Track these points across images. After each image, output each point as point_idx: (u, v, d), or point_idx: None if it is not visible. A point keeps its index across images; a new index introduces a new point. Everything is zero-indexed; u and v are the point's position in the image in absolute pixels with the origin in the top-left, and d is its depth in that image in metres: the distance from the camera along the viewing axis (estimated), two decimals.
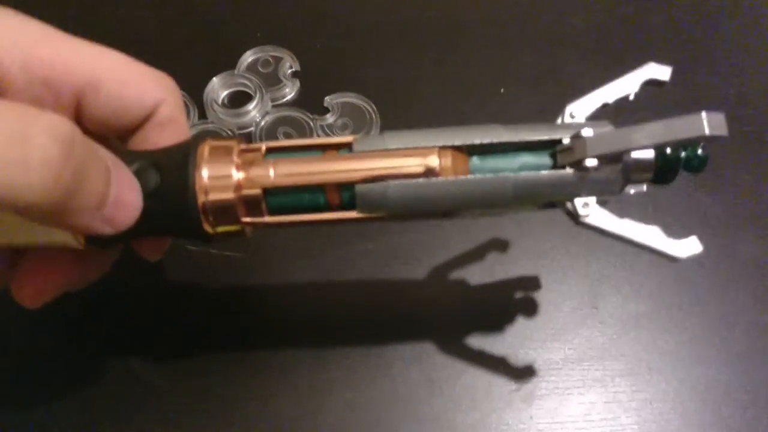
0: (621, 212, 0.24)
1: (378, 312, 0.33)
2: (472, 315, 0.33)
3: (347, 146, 0.24)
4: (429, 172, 0.23)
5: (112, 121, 0.25)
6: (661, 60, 0.43)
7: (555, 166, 0.24)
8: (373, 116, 0.39)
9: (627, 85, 0.25)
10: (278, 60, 0.41)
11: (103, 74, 0.24)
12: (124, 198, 0.22)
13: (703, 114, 0.20)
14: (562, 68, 0.42)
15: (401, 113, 0.39)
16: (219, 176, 0.23)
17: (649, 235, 0.24)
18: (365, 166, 0.23)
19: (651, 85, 0.26)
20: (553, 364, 0.32)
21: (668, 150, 0.24)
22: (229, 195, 0.23)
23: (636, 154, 0.24)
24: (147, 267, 0.34)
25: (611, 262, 0.35)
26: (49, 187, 0.18)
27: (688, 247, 0.24)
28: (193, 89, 0.39)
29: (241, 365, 0.31)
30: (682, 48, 0.43)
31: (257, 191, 0.23)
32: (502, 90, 0.41)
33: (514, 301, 0.34)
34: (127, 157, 0.23)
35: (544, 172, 0.24)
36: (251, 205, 0.24)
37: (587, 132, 0.23)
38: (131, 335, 0.32)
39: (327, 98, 0.39)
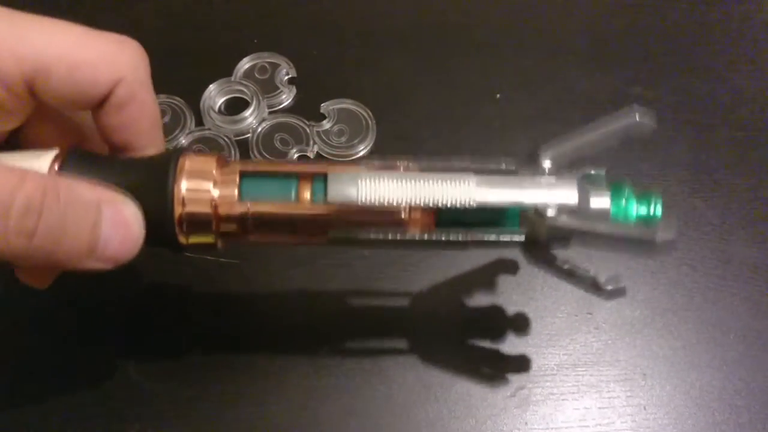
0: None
1: (374, 318, 0.34)
2: (467, 321, 0.33)
3: (322, 175, 0.25)
4: (398, 225, 0.25)
5: (70, 102, 0.24)
6: (655, 65, 0.43)
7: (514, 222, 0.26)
8: (370, 122, 0.39)
9: (607, 140, 0.26)
10: (275, 67, 0.41)
11: (52, 59, 0.22)
12: (119, 235, 0.22)
13: (635, 106, 0.25)
14: (557, 74, 0.42)
15: (397, 119, 0.39)
16: (197, 190, 0.24)
17: (584, 281, 0.27)
18: (338, 216, 0.25)
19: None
20: (548, 369, 0.32)
21: (623, 203, 0.26)
22: (205, 209, 0.24)
23: (593, 200, 0.25)
24: (144, 274, 0.34)
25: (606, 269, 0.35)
26: (26, 248, 0.20)
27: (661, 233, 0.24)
28: (190, 96, 0.39)
29: (237, 371, 0.32)
30: (677, 54, 0.43)
31: (232, 196, 0.24)
32: (498, 95, 0.41)
33: (510, 308, 0.34)
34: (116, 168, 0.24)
35: (507, 175, 0.25)
36: (226, 220, 0.25)
37: (549, 210, 0.24)
38: (128, 340, 0.32)
39: (323, 105, 0.39)
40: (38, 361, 0.32)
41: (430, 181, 0.24)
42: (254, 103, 0.39)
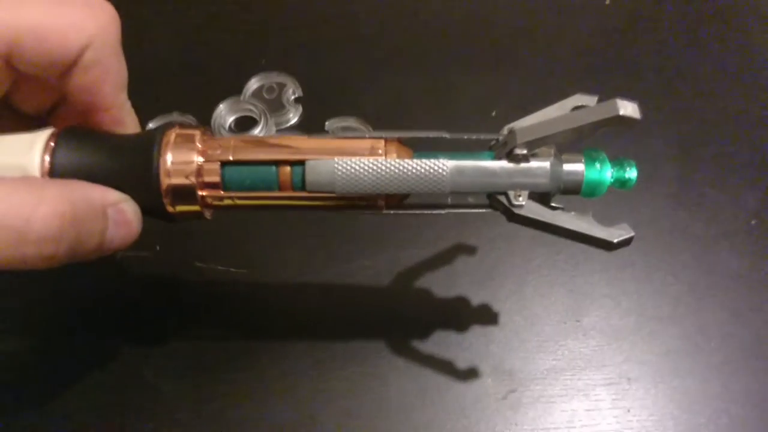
0: (606, 221, 0.26)
1: (374, 325, 0.35)
2: (463, 328, 0.35)
3: (301, 163, 0.26)
4: (374, 155, 0.25)
5: (44, 69, 0.25)
6: (645, 82, 0.45)
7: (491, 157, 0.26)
8: None
9: (557, 111, 0.27)
10: (282, 86, 0.43)
11: (23, 33, 0.23)
12: (122, 234, 0.25)
13: (617, 99, 0.23)
14: (551, 92, 0.43)
15: None
16: (181, 162, 0.25)
17: (583, 223, 0.25)
18: (316, 145, 0.26)
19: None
20: (537, 374, 0.34)
21: (597, 167, 0.26)
22: (189, 179, 0.25)
23: (567, 167, 0.26)
24: (160, 284, 0.37)
25: (594, 279, 0.37)
26: (46, 267, 0.22)
27: (620, 232, 0.25)
28: (201, 114, 0.41)
29: (244, 374, 0.34)
30: (666, 73, 0.45)
31: (215, 167, 0.25)
32: (493, 113, 0.43)
33: (502, 315, 0.36)
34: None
35: (480, 162, 0.26)
36: (209, 186, 0.25)
37: (518, 125, 0.25)
38: (144, 345, 0.34)
39: (327, 122, 0.41)
40: (57, 364, 0.34)
41: (406, 170, 0.25)
42: (262, 121, 0.41)
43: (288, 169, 0.26)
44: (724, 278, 0.37)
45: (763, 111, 0.43)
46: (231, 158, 0.25)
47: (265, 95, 0.43)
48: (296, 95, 0.43)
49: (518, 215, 0.26)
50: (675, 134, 0.42)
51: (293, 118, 0.42)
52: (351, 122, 0.42)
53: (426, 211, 0.28)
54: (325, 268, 0.37)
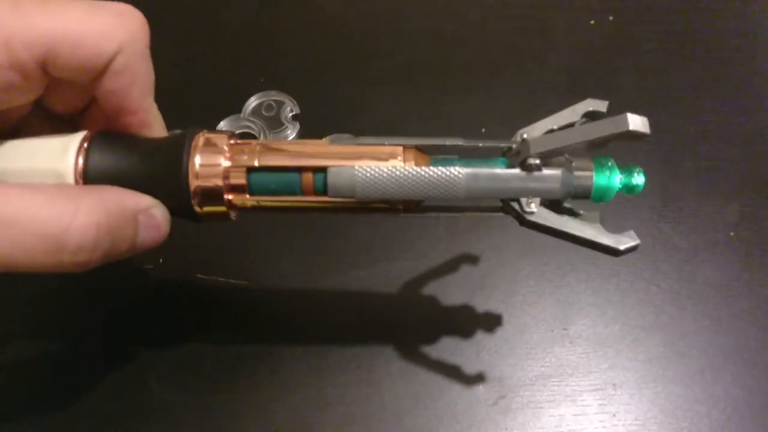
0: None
1: (369, 334, 0.37)
2: (454, 337, 0.36)
3: (323, 169, 0.27)
4: (393, 162, 0.26)
5: (77, 74, 0.25)
6: (628, 100, 0.47)
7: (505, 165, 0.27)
8: None
9: (569, 116, 0.28)
10: (280, 104, 0.45)
11: (57, 40, 0.24)
12: (152, 236, 0.26)
13: (628, 114, 0.24)
14: (539, 109, 0.45)
15: None
16: (210, 164, 0.26)
17: (591, 230, 0.27)
18: (338, 151, 0.27)
19: (587, 116, 0.28)
20: (526, 380, 0.35)
21: (607, 173, 0.27)
22: (217, 181, 0.26)
23: (578, 174, 0.27)
24: (163, 293, 0.38)
25: (580, 288, 0.38)
26: (83, 269, 0.23)
27: (627, 240, 0.26)
28: None
29: (244, 382, 0.35)
30: (648, 90, 0.46)
31: (242, 172, 0.26)
32: (483, 130, 0.44)
33: (492, 324, 0.37)
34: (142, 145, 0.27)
35: (494, 169, 0.27)
36: (236, 188, 0.27)
37: (530, 131, 0.27)
38: (149, 355, 0.36)
39: (323, 139, 0.43)
40: (61, 373, 0.35)
41: (423, 177, 0.26)
42: (261, 137, 0.42)
43: (311, 175, 0.27)
44: (705, 288, 0.38)
45: (741, 127, 0.45)
46: (257, 164, 0.26)
47: (264, 113, 0.44)
48: (294, 113, 0.44)
49: (529, 221, 0.27)
50: (657, 150, 0.43)
51: (291, 135, 0.44)
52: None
53: (442, 214, 0.29)
54: (321, 279, 0.38)
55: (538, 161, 0.26)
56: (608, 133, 0.24)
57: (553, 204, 0.28)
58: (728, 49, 0.48)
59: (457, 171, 0.26)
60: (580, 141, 0.25)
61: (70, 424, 0.33)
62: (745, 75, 0.47)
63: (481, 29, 0.50)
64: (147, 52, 0.27)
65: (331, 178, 0.26)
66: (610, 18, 0.50)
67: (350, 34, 0.49)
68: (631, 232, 0.27)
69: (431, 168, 0.26)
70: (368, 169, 0.26)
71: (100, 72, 0.25)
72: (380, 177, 0.26)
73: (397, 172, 0.26)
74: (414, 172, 0.26)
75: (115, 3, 0.26)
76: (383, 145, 0.27)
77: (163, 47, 0.49)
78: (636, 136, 0.24)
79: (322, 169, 0.26)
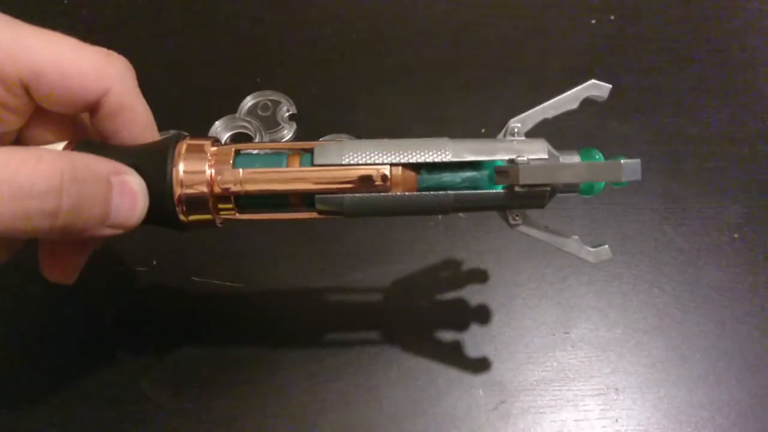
0: (593, 235, 0.27)
1: (367, 338, 0.36)
2: (453, 341, 0.36)
3: (309, 151, 0.27)
4: (381, 186, 0.26)
5: (63, 105, 0.26)
6: (630, 101, 0.46)
7: (492, 180, 0.27)
8: None
9: (569, 102, 0.28)
10: (276, 104, 0.44)
11: (45, 65, 0.24)
12: (127, 204, 0.25)
13: (622, 162, 0.23)
14: None
15: None
16: (194, 171, 0.25)
17: (570, 243, 0.27)
18: (324, 178, 0.26)
19: (591, 101, 0.28)
20: (528, 385, 0.35)
21: None
22: (202, 189, 0.26)
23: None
24: (156, 296, 0.37)
25: (582, 291, 0.38)
26: (50, 228, 0.22)
27: (600, 254, 0.27)
28: (197, 132, 0.42)
29: (240, 387, 0.34)
30: (649, 91, 0.46)
31: (227, 180, 0.26)
32: (483, 130, 0.44)
33: (492, 327, 0.36)
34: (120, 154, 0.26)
35: (481, 192, 0.26)
36: (222, 199, 0.26)
37: (521, 159, 0.26)
38: (141, 359, 0.35)
39: (321, 139, 0.42)
40: (55, 377, 0.34)
41: (409, 144, 0.26)
42: (257, 138, 0.42)
43: (297, 156, 0.27)
44: (709, 290, 0.38)
45: (745, 127, 0.44)
46: (241, 189, 0.26)
47: (260, 113, 0.44)
48: (290, 112, 0.44)
49: (516, 229, 0.27)
50: (659, 151, 0.43)
51: (287, 135, 0.43)
52: (344, 139, 0.42)
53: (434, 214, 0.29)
54: (318, 282, 0.37)
55: (525, 190, 0.26)
56: (602, 179, 0.25)
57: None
58: (732, 48, 0.48)
59: (446, 195, 0.26)
60: (569, 181, 0.25)
61: (60, 428, 0.33)
62: (748, 75, 0.47)
63: (481, 29, 0.49)
64: (138, 91, 0.27)
65: (319, 202, 0.26)
66: (612, 17, 0.50)
67: (348, 33, 0.49)
68: (606, 247, 0.27)
69: (419, 194, 0.26)
70: (356, 197, 0.26)
71: (85, 109, 0.26)
72: (368, 203, 0.26)
73: (386, 198, 0.26)
74: (402, 198, 0.26)
75: (100, 47, 0.26)
76: (369, 166, 0.26)
77: (157, 46, 0.49)
78: (600, 89, 0.26)
79: (310, 194, 0.26)
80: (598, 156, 0.27)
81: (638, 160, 0.24)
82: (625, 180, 0.23)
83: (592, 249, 0.27)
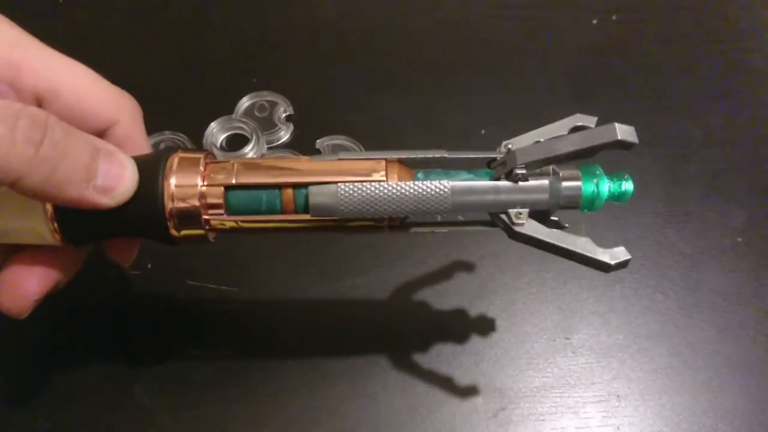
0: (594, 239, 0.26)
1: (365, 344, 0.35)
2: (452, 346, 0.35)
3: (304, 186, 0.26)
4: (376, 177, 0.25)
5: (74, 126, 0.26)
6: (631, 102, 0.46)
7: (491, 179, 0.26)
8: None
9: (557, 130, 0.27)
10: (273, 105, 0.43)
11: (64, 86, 0.26)
12: (114, 171, 0.24)
13: (616, 124, 0.23)
14: (538, 112, 0.44)
15: None
16: (185, 185, 0.25)
17: (582, 244, 0.26)
18: (319, 168, 0.26)
19: (577, 130, 0.27)
20: (528, 391, 0.34)
21: (594, 181, 0.26)
22: (193, 202, 0.25)
23: (566, 184, 0.26)
24: (151, 300, 0.37)
25: (583, 296, 0.37)
26: (32, 158, 0.22)
27: (618, 255, 0.25)
28: (193, 133, 0.42)
29: (235, 393, 0.33)
30: (652, 92, 0.46)
31: (219, 192, 0.25)
32: (482, 132, 0.43)
33: (492, 333, 0.36)
34: None
35: (480, 182, 0.26)
36: (213, 207, 0.26)
37: (517, 146, 0.26)
38: (135, 365, 0.34)
39: (318, 141, 0.42)
40: (48, 382, 0.34)
41: (408, 192, 0.25)
42: (254, 139, 0.41)
43: (291, 192, 0.26)
44: (712, 295, 0.37)
45: (749, 130, 0.44)
46: (234, 182, 0.25)
47: (257, 113, 0.43)
48: (287, 114, 0.43)
49: (519, 233, 0.26)
50: (661, 153, 0.42)
51: (284, 136, 0.42)
52: (341, 141, 0.42)
53: (428, 230, 0.28)
54: (315, 287, 0.37)
55: (524, 171, 0.25)
56: (597, 143, 0.24)
57: (540, 217, 0.27)
58: (735, 50, 0.47)
59: (443, 184, 0.25)
60: (568, 151, 0.25)
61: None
62: (752, 77, 0.46)
63: (481, 30, 0.49)
64: (144, 129, 0.29)
65: (313, 197, 0.25)
66: (613, 17, 0.49)
67: (346, 33, 0.48)
68: (622, 248, 0.26)
69: (415, 183, 0.25)
70: (350, 187, 0.25)
71: (96, 131, 0.27)
72: (363, 194, 0.25)
73: (381, 189, 0.25)
74: (398, 188, 0.25)
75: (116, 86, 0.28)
76: (364, 160, 0.26)
77: (153, 46, 0.48)
78: (624, 145, 0.24)
79: (303, 185, 0.26)
80: (599, 171, 0.26)
81: (632, 127, 0.24)
82: (621, 138, 0.23)
83: (607, 250, 0.26)
